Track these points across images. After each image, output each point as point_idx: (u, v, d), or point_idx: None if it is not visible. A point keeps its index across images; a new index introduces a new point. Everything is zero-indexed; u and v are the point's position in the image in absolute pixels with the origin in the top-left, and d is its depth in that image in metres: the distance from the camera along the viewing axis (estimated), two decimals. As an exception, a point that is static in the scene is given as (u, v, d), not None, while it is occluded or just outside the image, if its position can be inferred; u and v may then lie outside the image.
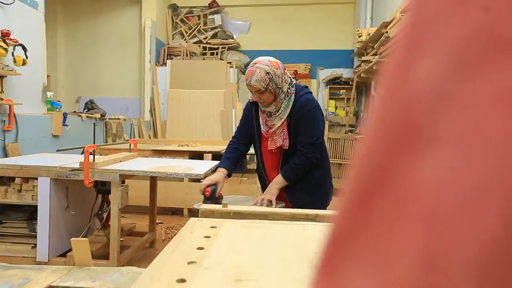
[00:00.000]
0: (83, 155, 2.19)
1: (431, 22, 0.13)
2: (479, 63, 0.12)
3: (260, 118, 1.77)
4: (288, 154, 1.73)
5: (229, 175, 1.77)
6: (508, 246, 0.10)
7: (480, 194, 0.11)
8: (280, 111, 1.68)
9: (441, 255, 0.11)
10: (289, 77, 1.71)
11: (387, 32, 3.74)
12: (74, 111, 4.77)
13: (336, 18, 6.78)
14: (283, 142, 1.70)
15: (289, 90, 1.67)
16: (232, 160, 1.80)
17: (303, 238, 0.94)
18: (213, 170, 2.03)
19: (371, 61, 4.45)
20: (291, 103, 1.68)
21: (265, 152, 1.81)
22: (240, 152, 1.85)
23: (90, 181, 2.19)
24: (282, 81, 1.64)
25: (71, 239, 0.76)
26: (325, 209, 1.73)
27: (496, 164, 0.11)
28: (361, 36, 4.87)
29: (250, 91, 1.69)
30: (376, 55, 4.21)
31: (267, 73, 1.58)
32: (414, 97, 0.13)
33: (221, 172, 1.73)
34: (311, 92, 1.78)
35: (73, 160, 2.42)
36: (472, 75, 0.12)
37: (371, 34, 4.46)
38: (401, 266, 0.12)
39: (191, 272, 0.70)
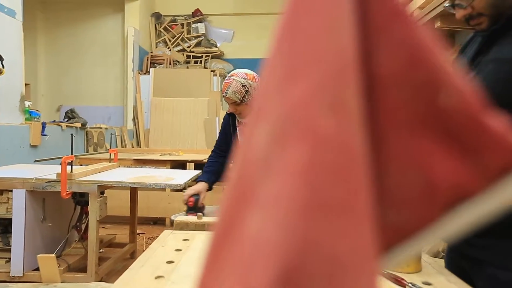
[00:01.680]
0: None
1: (266, 98, 0.15)
2: (289, 138, 0.14)
3: (238, 129, 1.77)
4: None
5: (210, 188, 1.78)
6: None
7: (265, 250, 0.13)
8: None
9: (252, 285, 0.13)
10: None
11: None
12: (54, 121, 4.68)
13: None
14: None
15: None
16: (212, 173, 1.81)
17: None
18: (194, 180, 2.02)
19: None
20: None
21: None
22: (219, 165, 1.86)
23: (67, 192, 2.15)
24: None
25: (38, 256, 0.74)
26: None
27: (279, 229, 0.13)
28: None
29: (227, 103, 1.70)
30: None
31: (243, 85, 1.61)
32: (249, 160, 0.15)
33: (203, 182, 1.75)
34: None
35: (51, 171, 2.37)
36: (284, 147, 0.14)
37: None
38: None
39: (157, 287, 0.70)
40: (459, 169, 0.15)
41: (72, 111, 4.69)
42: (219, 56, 6.96)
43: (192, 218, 1.14)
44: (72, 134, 2.28)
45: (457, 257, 0.91)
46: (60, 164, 2.12)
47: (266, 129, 0.14)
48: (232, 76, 1.64)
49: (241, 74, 1.65)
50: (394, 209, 0.15)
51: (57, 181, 2.15)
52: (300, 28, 0.16)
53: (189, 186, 1.93)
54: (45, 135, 3.78)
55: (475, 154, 0.16)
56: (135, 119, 6.21)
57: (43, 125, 3.79)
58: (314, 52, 0.15)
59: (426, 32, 0.16)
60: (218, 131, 5.89)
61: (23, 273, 2.14)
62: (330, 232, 0.12)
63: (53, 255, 0.84)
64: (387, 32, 0.16)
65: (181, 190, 2.37)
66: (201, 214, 1.61)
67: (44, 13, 6.83)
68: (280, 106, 0.14)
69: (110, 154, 2.87)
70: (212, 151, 1.91)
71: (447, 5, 0.84)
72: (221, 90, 1.65)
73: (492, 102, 0.63)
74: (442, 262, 1.01)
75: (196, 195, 1.68)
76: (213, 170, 1.82)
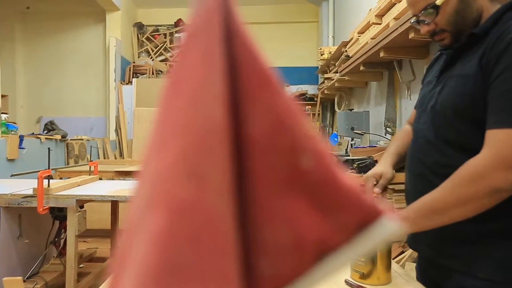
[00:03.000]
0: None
1: (146, 163, 0.16)
2: (152, 205, 0.14)
3: None
4: None
5: None
6: None
7: None
8: None
9: None
10: None
11: (346, 51, 3.89)
12: (32, 133, 4.59)
13: (301, 36, 6.97)
14: None
15: None
16: None
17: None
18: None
19: (333, 79, 4.59)
20: None
21: None
22: None
23: (44, 208, 2.10)
24: None
25: (3, 279, 0.73)
26: None
27: None
28: (323, 54, 5.02)
29: None
30: (337, 72, 4.35)
31: None
32: (131, 219, 0.15)
33: None
34: None
35: (28, 186, 2.32)
36: (149, 213, 0.15)
37: (332, 53, 4.62)
38: None
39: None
40: (322, 226, 0.17)
41: (51, 123, 4.61)
42: (202, 66, 6.98)
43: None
44: (49, 148, 2.24)
45: (427, 266, 0.93)
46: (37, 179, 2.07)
47: (144, 192, 0.15)
48: None
49: None
50: (269, 261, 0.16)
51: (34, 196, 2.11)
52: (173, 98, 0.17)
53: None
54: (22, 148, 3.70)
55: (335, 212, 0.17)
56: (117, 130, 6.14)
57: (21, 138, 3.71)
58: (180, 123, 0.16)
59: (292, 100, 0.18)
60: (202, 140, 5.88)
61: (-2, 292, 2.08)
62: None
63: (20, 277, 0.82)
64: (256, 100, 0.18)
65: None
66: None
67: (23, 24, 6.73)
68: (151, 173, 0.15)
69: (90, 167, 2.82)
70: None
71: (413, 21, 0.88)
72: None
73: (455, 114, 0.65)
74: (413, 272, 1.02)
75: None
76: None
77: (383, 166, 1.00)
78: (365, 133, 3.33)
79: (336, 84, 4.55)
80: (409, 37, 2.60)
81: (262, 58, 0.19)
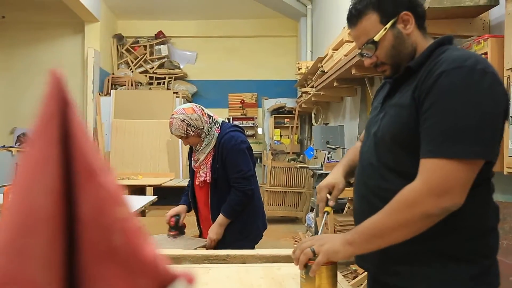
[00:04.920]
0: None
1: None
2: None
3: (193, 155, 1.89)
4: (216, 189, 1.80)
5: (189, 210, 1.95)
6: None
7: None
8: (202, 147, 1.80)
9: None
10: (209, 116, 1.84)
11: (321, 66, 3.98)
12: (4, 146, 4.48)
13: (280, 50, 7.09)
14: (206, 176, 1.81)
15: (210, 128, 1.80)
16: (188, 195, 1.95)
17: (202, 283, 0.96)
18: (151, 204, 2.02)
19: (310, 93, 4.68)
20: (214, 139, 1.80)
21: (196, 188, 1.90)
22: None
23: (10, 224, 2.05)
24: (201, 122, 1.77)
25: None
26: (253, 248, 1.77)
27: None
28: (301, 68, 5.12)
29: None
30: (313, 87, 4.43)
31: (183, 120, 1.74)
32: None
33: (183, 205, 1.93)
34: (240, 130, 1.89)
35: (-6, 201, 2.26)
36: None
37: (309, 67, 4.72)
38: None
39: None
40: (131, 287, 0.20)
41: (25, 135, 4.51)
42: (182, 78, 6.98)
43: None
44: (16, 163, 2.19)
45: (374, 284, 0.97)
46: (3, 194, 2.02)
47: None
48: (173, 115, 1.77)
49: (180, 110, 1.78)
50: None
51: (-1, 213, 2.06)
52: (12, 192, 0.22)
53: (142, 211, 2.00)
54: (-8, 161, 3.60)
55: (140, 278, 0.23)
56: (94, 141, 6.05)
57: (-9, 151, 3.62)
58: (11, 211, 0.21)
59: (113, 189, 0.23)
60: (181, 153, 5.85)
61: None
62: None
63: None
64: (83, 190, 0.23)
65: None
66: (183, 232, 1.87)
67: (-1, 33, 6.61)
68: None
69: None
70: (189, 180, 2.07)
71: (358, 54, 0.95)
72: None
73: (393, 141, 0.70)
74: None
75: (177, 215, 1.87)
76: (188, 193, 1.96)
77: (335, 177, 1.05)
78: (338, 147, 3.39)
79: (313, 98, 4.63)
80: (352, 73, 2.81)
81: (92, 156, 0.24)
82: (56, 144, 0.22)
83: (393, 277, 0.88)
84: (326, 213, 1.01)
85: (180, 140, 1.85)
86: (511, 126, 1.62)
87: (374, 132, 0.92)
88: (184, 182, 3.85)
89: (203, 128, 1.77)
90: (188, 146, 1.93)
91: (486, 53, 1.76)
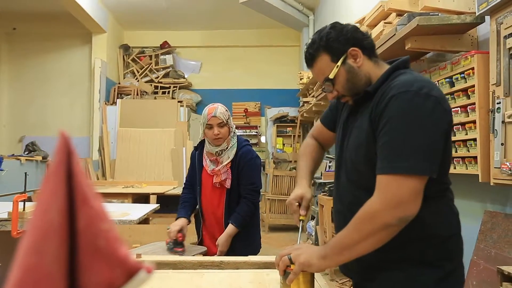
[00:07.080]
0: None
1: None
2: (14, 268, 0.27)
3: (205, 159, 1.92)
4: (230, 196, 1.87)
5: (189, 222, 1.93)
6: None
7: None
8: (228, 147, 1.87)
9: None
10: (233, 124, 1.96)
11: (321, 77, 4.05)
12: (13, 154, 4.61)
13: (283, 60, 7.20)
14: (226, 179, 1.86)
15: (234, 132, 1.93)
16: (188, 207, 1.97)
17: (196, 286, 1.04)
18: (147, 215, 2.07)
19: (311, 103, 4.76)
20: (235, 147, 1.89)
21: (205, 192, 1.93)
22: (193, 199, 2.00)
23: (19, 231, 2.14)
24: (231, 122, 1.91)
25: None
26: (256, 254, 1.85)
27: None
28: (303, 78, 5.21)
29: (209, 127, 1.83)
30: (314, 97, 4.51)
31: (226, 110, 1.88)
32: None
33: (183, 218, 1.89)
34: (250, 145, 2.00)
35: (4, 209, 2.36)
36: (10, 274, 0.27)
37: (311, 77, 4.80)
38: None
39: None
40: (112, 275, 0.34)
41: (33, 144, 4.64)
42: (187, 87, 7.11)
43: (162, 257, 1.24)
44: (25, 173, 2.30)
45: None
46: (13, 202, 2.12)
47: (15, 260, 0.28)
48: (213, 104, 1.87)
49: (220, 104, 1.90)
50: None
51: (9, 220, 2.15)
52: (35, 211, 0.33)
53: (146, 219, 1.97)
54: (1, 170, 3.73)
55: (117, 268, 0.34)
56: (101, 150, 6.18)
57: (0, 159, 3.74)
58: (35, 224, 0.32)
59: (101, 210, 0.33)
60: (185, 161, 5.94)
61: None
62: None
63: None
64: (81, 209, 0.34)
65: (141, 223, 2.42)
66: (183, 246, 1.80)
67: (9, 44, 6.82)
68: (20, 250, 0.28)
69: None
70: (183, 188, 2.07)
71: (321, 89, 1.04)
72: (207, 114, 1.83)
73: (357, 160, 0.80)
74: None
75: (181, 230, 1.83)
76: (188, 204, 1.98)
77: (302, 189, 1.13)
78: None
79: (314, 108, 4.71)
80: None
81: (87, 187, 0.34)
82: (64, 180, 0.34)
83: (372, 283, 0.95)
84: (301, 221, 1.10)
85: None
86: (496, 139, 1.69)
87: (340, 154, 1.02)
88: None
89: (233, 127, 1.91)
90: (189, 154, 1.99)
91: (473, 68, 1.83)
